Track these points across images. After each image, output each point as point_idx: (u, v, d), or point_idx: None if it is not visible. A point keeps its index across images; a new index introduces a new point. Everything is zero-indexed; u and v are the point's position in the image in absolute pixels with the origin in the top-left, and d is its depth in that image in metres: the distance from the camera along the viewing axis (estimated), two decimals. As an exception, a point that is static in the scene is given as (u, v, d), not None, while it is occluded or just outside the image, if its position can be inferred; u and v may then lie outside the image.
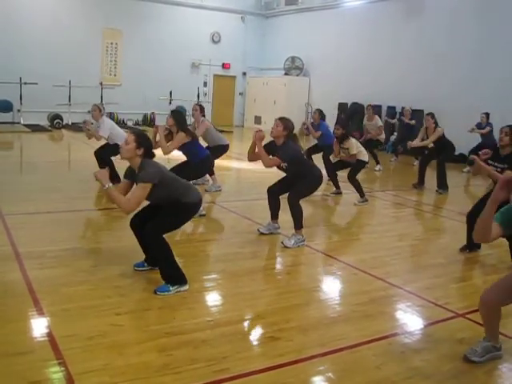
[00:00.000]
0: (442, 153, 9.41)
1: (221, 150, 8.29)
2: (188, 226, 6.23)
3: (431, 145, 9.72)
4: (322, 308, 4.18)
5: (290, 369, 3.14)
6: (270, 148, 5.62)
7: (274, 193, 5.88)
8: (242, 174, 10.74)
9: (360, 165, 8.21)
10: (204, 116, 8.38)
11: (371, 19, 16.65)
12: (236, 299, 4.19)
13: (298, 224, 5.65)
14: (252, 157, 5.74)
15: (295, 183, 5.67)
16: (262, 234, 5.94)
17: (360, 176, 8.25)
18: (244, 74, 21.50)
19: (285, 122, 5.53)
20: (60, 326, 3.47)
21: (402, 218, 7.70)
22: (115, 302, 3.90)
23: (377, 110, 16.18)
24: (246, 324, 3.81)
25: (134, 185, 4.20)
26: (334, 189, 8.69)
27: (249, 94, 21.27)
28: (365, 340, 3.55)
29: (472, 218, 5.48)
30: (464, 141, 11.92)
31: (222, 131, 13.53)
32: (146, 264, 4.56)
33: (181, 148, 6.68)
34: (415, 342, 3.64)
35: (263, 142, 5.58)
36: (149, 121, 18.41)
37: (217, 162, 8.23)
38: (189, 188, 4.37)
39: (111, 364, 3.03)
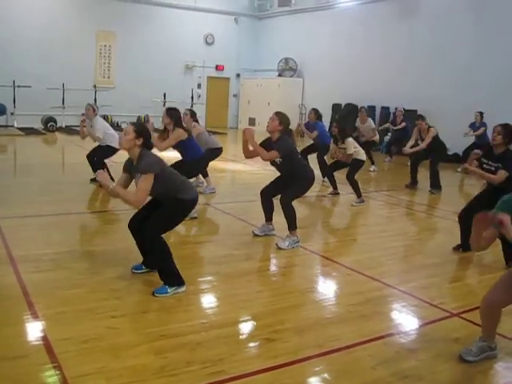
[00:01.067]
0: (434, 153, 9.43)
1: (214, 153, 8.24)
2: (182, 228, 6.23)
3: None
4: (318, 309, 4.18)
5: (285, 370, 3.14)
6: (267, 144, 5.59)
7: (266, 195, 5.87)
8: (236, 175, 10.75)
9: (358, 164, 8.21)
10: (197, 121, 8.30)
11: (364, 20, 16.71)
12: (231, 301, 4.19)
13: (292, 225, 5.64)
14: (248, 153, 5.69)
15: (288, 184, 5.66)
16: (256, 235, 5.94)
17: (355, 176, 8.25)
18: (238, 75, 21.52)
19: (280, 116, 5.51)
20: (55, 329, 3.46)
21: (397, 218, 7.72)
22: (111, 305, 3.89)
23: (371, 110, 16.28)
24: (241, 326, 3.80)
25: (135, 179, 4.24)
26: (331, 189, 8.70)
27: (243, 96, 21.28)
28: (360, 340, 3.56)
29: (465, 217, 5.55)
30: (458, 140, 11.99)
31: (215, 133, 13.55)
32: (143, 267, 4.56)
33: (176, 146, 6.66)
34: (410, 342, 3.65)
35: (258, 140, 5.57)
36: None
37: (211, 163, 8.26)
38: (186, 184, 4.39)
39: (107, 367, 3.03)
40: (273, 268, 5.30)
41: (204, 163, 7.25)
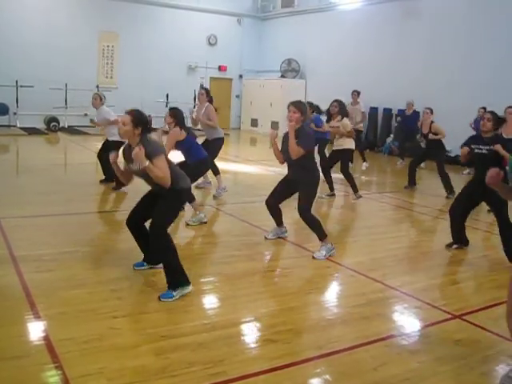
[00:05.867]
0: (436, 154, 9.38)
1: (219, 143, 8.15)
2: (184, 229, 6.24)
3: (423, 145, 9.77)
4: (319, 310, 4.18)
5: (287, 371, 3.14)
6: (283, 137, 5.46)
7: (272, 206, 5.73)
8: (238, 176, 10.74)
9: (347, 154, 8.33)
10: (211, 101, 8.17)
11: (367, 21, 16.69)
12: (233, 302, 4.19)
13: (321, 234, 5.46)
14: (281, 157, 5.56)
15: (293, 185, 5.51)
16: (267, 239, 5.88)
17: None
18: (240, 76, 21.51)
19: (300, 107, 5.32)
20: (57, 329, 3.46)
21: (399, 219, 7.72)
22: (112, 306, 3.90)
23: (373, 112, 16.29)
24: (243, 327, 3.80)
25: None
26: (329, 191, 8.66)
27: (245, 97, 21.27)
28: (362, 342, 3.56)
29: (454, 212, 5.81)
30: (461, 140, 11.92)
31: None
32: (145, 263, 4.58)
33: (179, 146, 6.52)
34: (412, 344, 3.64)
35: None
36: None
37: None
38: (180, 174, 4.37)
39: (108, 367, 3.03)
40: (275, 269, 5.29)
41: (207, 165, 7.11)
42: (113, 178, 8.03)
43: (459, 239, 5.91)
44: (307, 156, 5.31)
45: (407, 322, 4.05)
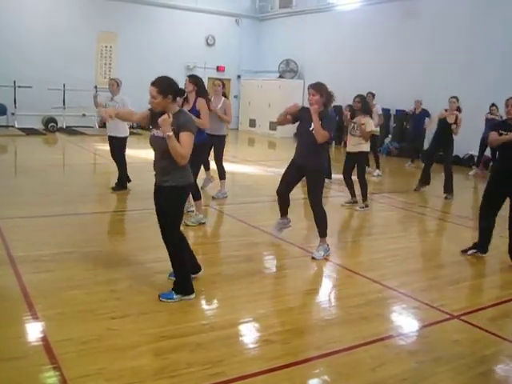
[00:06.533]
0: (447, 147, 9.19)
1: (222, 141, 7.87)
2: (184, 230, 6.22)
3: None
4: (318, 311, 4.18)
5: (285, 372, 3.14)
6: (300, 116, 5.33)
7: (282, 194, 5.60)
8: (236, 177, 10.73)
9: (363, 157, 8.02)
10: (226, 97, 7.90)
11: (366, 22, 16.69)
12: (232, 302, 4.19)
13: (323, 231, 5.44)
14: (282, 121, 5.46)
15: (301, 171, 5.38)
16: (275, 236, 5.88)
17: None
18: (239, 76, 21.51)
19: (319, 88, 5.16)
20: (55, 330, 3.46)
21: (398, 220, 7.72)
22: (111, 306, 3.89)
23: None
24: (241, 327, 3.80)
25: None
26: (350, 198, 8.20)
27: (243, 97, 21.27)
28: (360, 342, 3.56)
29: (486, 213, 5.51)
30: (463, 140, 11.84)
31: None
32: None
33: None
34: (411, 344, 3.64)
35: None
36: (144, 124, 18.37)
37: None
38: (187, 169, 4.13)
39: (107, 368, 3.02)
40: (274, 270, 5.30)
41: (206, 151, 6.66)
42: (125, 185, 8.00)
43: (483, 246, 5.65)
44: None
45: (406, 322, 4.05)
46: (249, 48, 21.21)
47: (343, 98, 18.10)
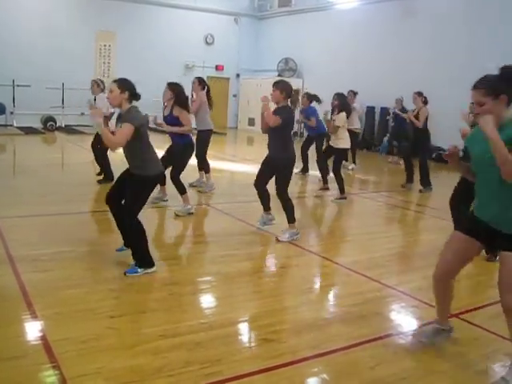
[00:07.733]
0: (421, 146, 9.36)
1: (208, 135, 8.08)
2: (181, 228, 6.23)
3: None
4: (316, 309, 4.18)
5: (284, 371, 3.14)
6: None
7: (258, 186, 6.01)
8: (235, 176, 10.74)
9: (341, 154, 8.26)
10: (204, 89, 7.98)
11: (364, 21, 16.70)
12: (230, 301, 4.19)
13: (291, 218, 5.79)
14: (265, 124, 5.73)
15: (272, 164, 5.77)
16: (259, 229, 6.10)
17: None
18: (237, 75, 21.51)
19: (280, 86, 5.57)
20: (54, 329, 3.46)
21: (395, 218, 7.72)
22: (109, 305, 3.90)
23: (370, 111, 16.31)
24: (239, 326, 3.80)
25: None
26: (322, 184, 8.71)
27: (242, 96, 21.27)
28: (359, 341, 3.56)
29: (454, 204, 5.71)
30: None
31: (215, 133, 13.50)
32: (125, 247, 4.84)
33: (177, 122, 6.39)
34: (409, 343, 3.64)
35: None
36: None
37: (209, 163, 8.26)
38: (153, 160, 4.54)
39: (105, 367, 3.02)
40: (272, 268, 5.30)
41: (192, 150, 6.79)
42: (110, 177, 8.01)
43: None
44: (283, 135, 5.61)
45: (404, 320, 4.06)
46: (248, 47, 21.20)
47: (342, 96, 18.07)
